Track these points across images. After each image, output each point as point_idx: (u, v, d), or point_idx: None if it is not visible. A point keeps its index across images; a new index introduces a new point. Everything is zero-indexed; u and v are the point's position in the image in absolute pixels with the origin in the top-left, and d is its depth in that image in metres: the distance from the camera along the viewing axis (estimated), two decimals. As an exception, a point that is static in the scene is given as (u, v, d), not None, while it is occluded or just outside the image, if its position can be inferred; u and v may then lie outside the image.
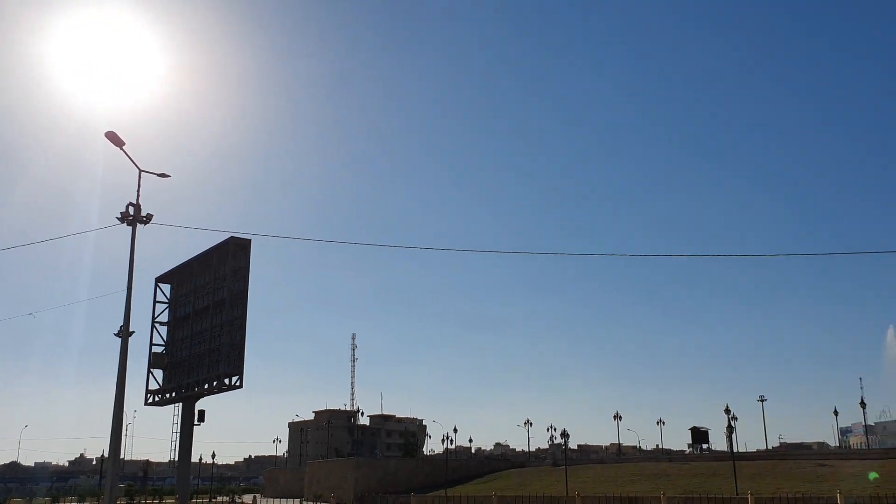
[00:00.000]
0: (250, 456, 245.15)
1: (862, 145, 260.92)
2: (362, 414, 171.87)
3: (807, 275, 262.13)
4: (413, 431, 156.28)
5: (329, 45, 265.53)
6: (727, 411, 63.57)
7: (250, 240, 51.23)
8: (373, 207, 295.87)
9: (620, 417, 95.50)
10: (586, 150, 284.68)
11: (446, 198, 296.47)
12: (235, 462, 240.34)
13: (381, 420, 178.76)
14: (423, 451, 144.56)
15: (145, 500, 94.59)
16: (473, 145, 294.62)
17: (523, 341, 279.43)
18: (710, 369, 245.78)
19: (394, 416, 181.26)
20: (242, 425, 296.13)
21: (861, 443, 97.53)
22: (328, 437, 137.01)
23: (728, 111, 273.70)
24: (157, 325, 58.26)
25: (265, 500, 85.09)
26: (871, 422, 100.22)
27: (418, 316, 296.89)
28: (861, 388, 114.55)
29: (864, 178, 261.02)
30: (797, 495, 29.70)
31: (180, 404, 54.27)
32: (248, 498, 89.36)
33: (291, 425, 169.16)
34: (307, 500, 72.92)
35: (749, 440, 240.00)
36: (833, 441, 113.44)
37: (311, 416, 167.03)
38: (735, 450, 63.38)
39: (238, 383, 50.15)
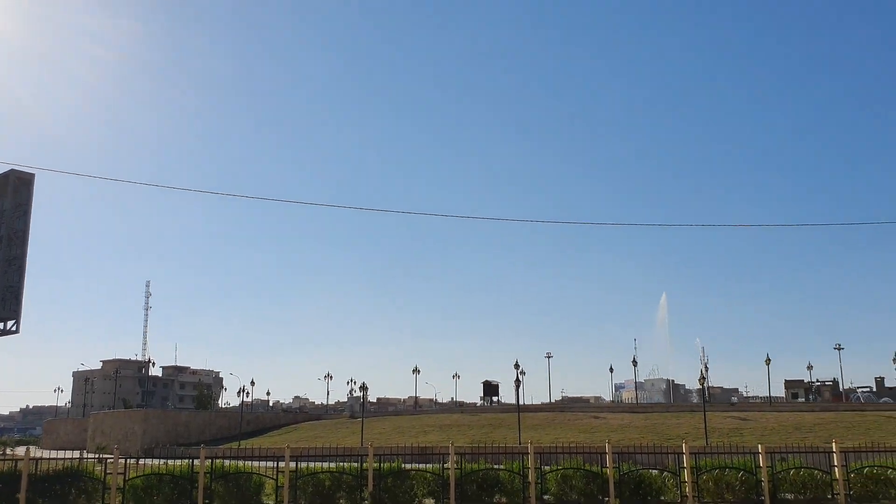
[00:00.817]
0: (28, 406, 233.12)
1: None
2: (154, 364, 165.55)
3: (591, 240, 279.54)
4: (208, 384, 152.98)
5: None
6: (517, 366, 68.17)
7: (34, 174, 47.23)
8: (175, 147, 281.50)
9: (419, 371, 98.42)
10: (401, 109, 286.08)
11: (252, 143, 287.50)
12: (10, 412, 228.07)
13: (174, 371, 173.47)
14: (218, 404, 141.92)
15: None
16: (285, 90, 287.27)
17: (325, 293, 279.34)
18: (503, 327, 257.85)
19: (188, 367, 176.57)
20: (20, 374, 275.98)
21: (632, 398, 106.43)
22: (115, 387, 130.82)
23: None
24: (-81, 262, 52.83)
25: (42, 451, 79.93)
26: (641, 379, 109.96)
27: (217, 264, 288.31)
28: (635, 347, 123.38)
29: (691, 153, 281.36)
30: (572, 444, 32.63)
31: (-55, 349, 49.89)
32: (20, 450, 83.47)
33: (76, 374, 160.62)
34: (89, 452, 69.33)
35: (535, 394, 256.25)
36: (608, 396, 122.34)
37: (98, 366, 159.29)
38: (522, 402, 67.55)
39: (14, 328, 46.59)
